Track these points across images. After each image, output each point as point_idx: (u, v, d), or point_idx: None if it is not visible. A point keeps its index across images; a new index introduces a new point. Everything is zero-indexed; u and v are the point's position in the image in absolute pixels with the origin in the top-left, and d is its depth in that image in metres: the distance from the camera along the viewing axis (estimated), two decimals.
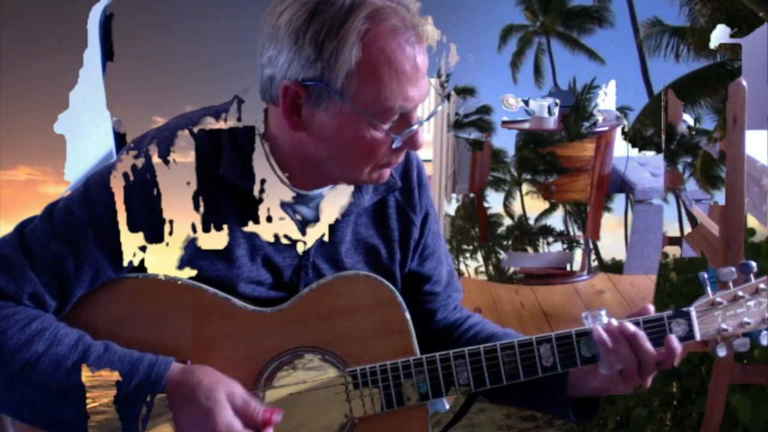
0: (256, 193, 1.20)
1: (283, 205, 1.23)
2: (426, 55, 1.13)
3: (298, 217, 1.25)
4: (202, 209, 1.19)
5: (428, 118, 1.18)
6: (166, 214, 1.18)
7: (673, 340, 1.22)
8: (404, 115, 1.14)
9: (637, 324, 1.23)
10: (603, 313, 1.23)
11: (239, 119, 1.21)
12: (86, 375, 1.11)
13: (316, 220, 1.27)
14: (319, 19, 1.07)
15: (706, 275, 1.26)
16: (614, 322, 1.23)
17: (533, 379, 1.24)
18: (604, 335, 1.21)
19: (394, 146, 1.15)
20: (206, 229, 1.19)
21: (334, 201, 1.27)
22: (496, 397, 1.34)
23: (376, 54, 1.08)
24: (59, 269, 1.14)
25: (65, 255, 1.14)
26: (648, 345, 1.21)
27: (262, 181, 1.21)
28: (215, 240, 1.20)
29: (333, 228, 1.27)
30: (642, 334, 1.21)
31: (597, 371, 1.24)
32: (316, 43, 1.08)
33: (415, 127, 1.15)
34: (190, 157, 1.20)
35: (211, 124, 1.21)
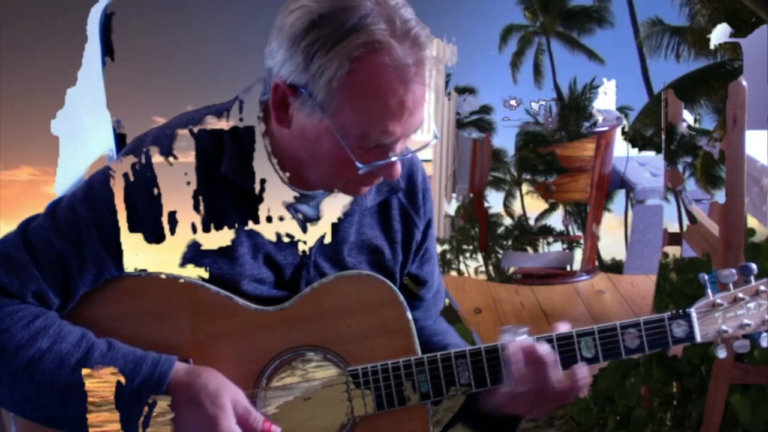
0: (257, 191, 1.21)
1: (285, 204, 1.23)
2: (421, 94, 1.10)
3: (300, 215, 1.25)
4: (203, 208, 1.19)
5: (407, 155, 1.16)
6: (168, 213, 1.18)
7: (580, 368, 1.21)
8: (382, 145, 1.13)
9: (549, 341, 1.21)
10: (523, 330, 1.23)
11: (241, 119, 1.22)
12: (89, 373, 1.11)
13: (318, 218, 1.27)
14: (316, 31, 1.07)
15: (706, 276, 1.27)
16: (528, 341, 1.21)
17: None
18: (519, 353, 1.20)
19: (360, 173, 1.14)
20: (208, 228, 1.19)
21: (336, 200, 1.27)
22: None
23: (360, 81, 1.07)
24: (62, 267, 1.14)
25: (68, 252, 1.14)
26: (552, 372, 1.20)
27: (263, 181, 1.21)
28: (217, 238, 1.20)
29: (336, 227, 1.27)
30: (550, 361, 1.20)
31: (499, 387, 1.23)
32: (308, 53, 1.08)
33: (392, 159, 1.14)
34: (192, 156, 1.20)
35: (212, 123, 1.22)
